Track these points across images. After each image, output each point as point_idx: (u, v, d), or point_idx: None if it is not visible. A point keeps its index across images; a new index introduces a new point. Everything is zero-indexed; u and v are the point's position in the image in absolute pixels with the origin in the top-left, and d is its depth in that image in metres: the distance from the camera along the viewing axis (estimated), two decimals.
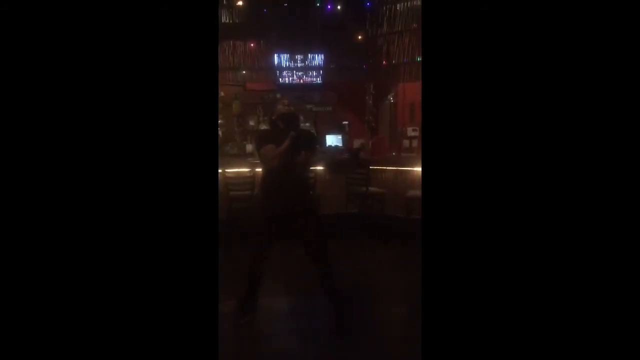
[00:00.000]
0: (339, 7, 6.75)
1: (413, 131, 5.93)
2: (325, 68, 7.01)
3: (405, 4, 6.38)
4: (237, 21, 6.96)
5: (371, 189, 5.04)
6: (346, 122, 6.62)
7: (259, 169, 5.07)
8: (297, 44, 6.89)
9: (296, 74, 7.07)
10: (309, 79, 7.10)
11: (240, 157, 5.61)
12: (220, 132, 6.57)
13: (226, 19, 7.04)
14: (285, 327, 2.78)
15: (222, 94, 7.03)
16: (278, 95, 7.10)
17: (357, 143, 6.09)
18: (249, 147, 6.17)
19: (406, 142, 5.91)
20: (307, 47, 6.96)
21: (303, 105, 7.08)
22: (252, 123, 7.05)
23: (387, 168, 5.34)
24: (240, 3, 6.63)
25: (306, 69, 7.10)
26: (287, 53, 6.99)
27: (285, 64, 7.05)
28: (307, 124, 6.93)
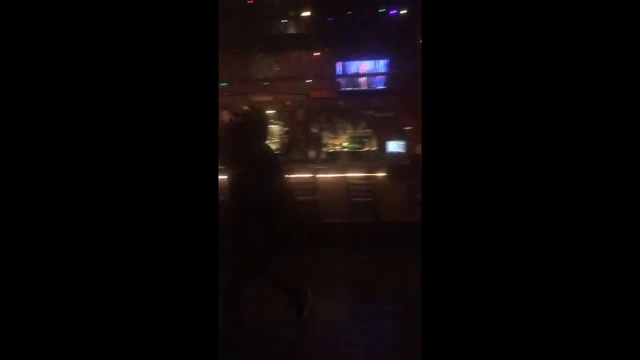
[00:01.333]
0: (402, 12, 6.71)
1: None
2: (388, 74, 7.00)
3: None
4: (303, 32, 7.21)
5: None
6: (409, 128, 6.54)
7: (320, 175, 5.22)
8: (360, 51, 6.96)
9: (359, 81, 7.14)
10: (371, 85, 7.13)
11: (303, 163, 5.79)
12: (285, 139, 6.84)
13: (292, 30, 7.33)
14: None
15: (287, 102, 7.32)
16: (341, 103, 7.22)
17: (419, 149, 5.99)
18: (312, 154, 6.34)
19: None
20: (370, 54, 7.00)
21: (364, 112, 7.11)
22: (315, 130, 7.23)
23: None
24: (306, 14, 6.86)
25: (369, 75, 7.13)
26: (350, 60, 7.09)
27: (349, 71, 7.15)
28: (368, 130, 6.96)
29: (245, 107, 2.64)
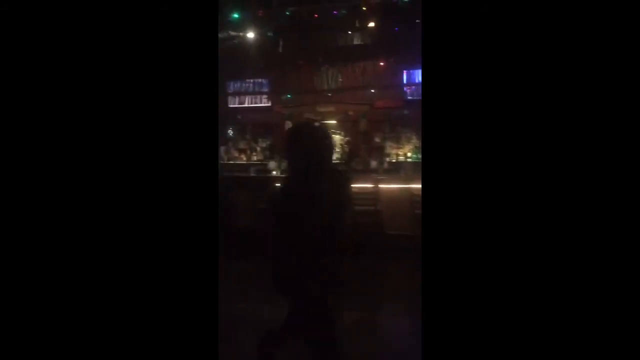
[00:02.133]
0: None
1: None
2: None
3: None
4: (368, 42, 7.18)
5: None
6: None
7: (382, 185, 5.07)
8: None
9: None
10: None
11: (365, 173, 5.69)
12: (347, 149, 6.79)
13: (358, 41, 7.34)
14: None
15: (350, 112, 7.30)
16: (405, 112, 7.03)
17: None
18: (374, 163, 6.21)
19: None
20: None
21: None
22: (377, 140, 7.11)
23: None
24: (372, 24, 6.84)
25: None
26: (415, 69, 6.90)
27: (414, 80, 6.97)
28: None
29: (308, 118, 2.48)
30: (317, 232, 1.91)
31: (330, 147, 2.09)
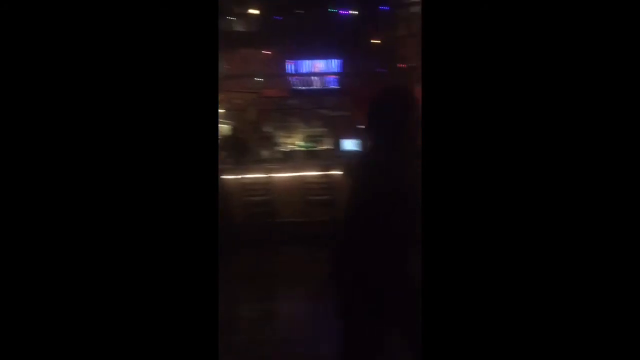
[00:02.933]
0: (353, 12, 6.69)
1: None
2: (340, 73, 6.95)
3: (419, 7, 6.29)
4: (252, 30, 6.97)
5: None
6: (364, 126, 6.50)
7: (274, 174, 5.01)
8: (312, 50, 6.85)
9: (311, 80, 7.02)
10: (324, 85, 7.03)
11: (256, 163, 5.54)
12: (235, 138, 6.52)
13: (241, 28, 7.06)
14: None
15: (238, 101, 7.02)
16: (294, 101, 7.05)
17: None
18: (265, 153, 6.09)
19: None
20: (322, 53, 6.91)
21: (317, 111, 7.01)
22: (267, 129, 6.99)
23: None
24: (254, 12, 6.64)
25: (321, 75, 7.04)
26: (302, 60, 6.95)
27: (300, 70, 7.01)
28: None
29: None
30: None
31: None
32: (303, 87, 7.03)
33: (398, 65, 6.62)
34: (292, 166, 5.32)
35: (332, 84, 7.04)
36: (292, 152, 6.29)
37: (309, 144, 6.66)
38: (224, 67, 6.97)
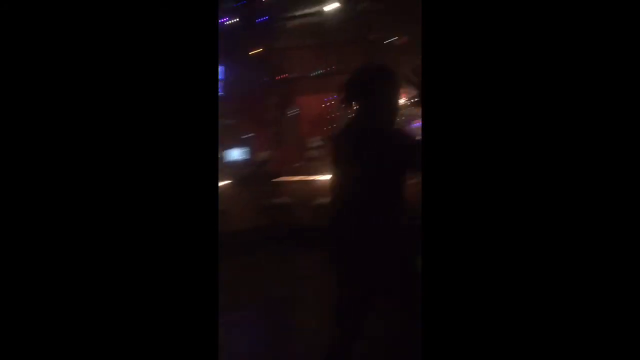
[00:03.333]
0: (234, 21, 6.71)
1: (316, 142, 6.14)
2: (223, 81, 6.89)
3: (300, 20, 6.61)
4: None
5: (278, 200, 5.08)
6: (251, 135, 6.59)
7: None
8: None
9: None
10: None
11: None
12: None
13: None
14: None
15: None
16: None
17: (263, 155, 6.09)
18: None
19: (314, 153, 6.09)
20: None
21: None
22: None
23: (294, 178, 5.45)
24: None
25: None
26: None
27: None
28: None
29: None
30: None
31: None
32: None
33: (276, 77, 6.84)
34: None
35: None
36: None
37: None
38: None
